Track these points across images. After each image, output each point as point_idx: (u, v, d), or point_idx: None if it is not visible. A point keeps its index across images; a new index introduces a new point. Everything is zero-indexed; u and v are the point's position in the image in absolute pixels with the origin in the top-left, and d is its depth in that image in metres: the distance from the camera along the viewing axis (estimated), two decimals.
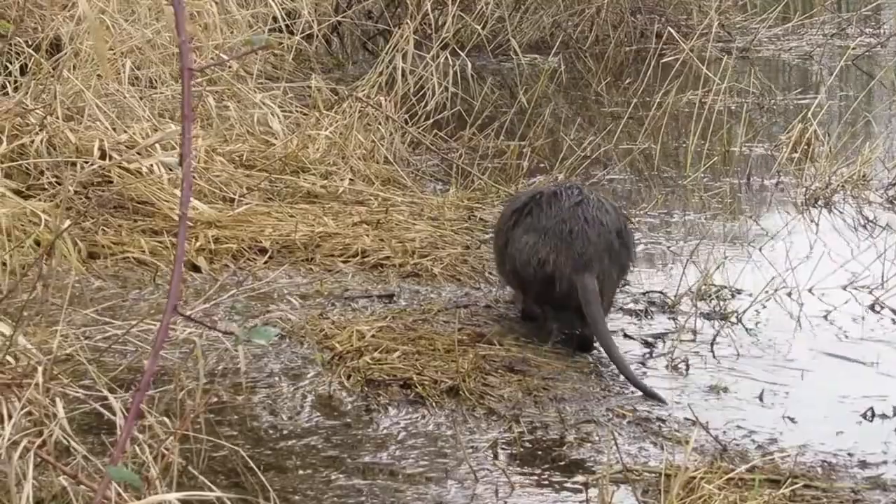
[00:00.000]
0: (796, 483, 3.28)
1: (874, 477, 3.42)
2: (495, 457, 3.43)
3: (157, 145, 5.02)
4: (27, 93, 5.30)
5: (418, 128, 6.32)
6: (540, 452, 3.48)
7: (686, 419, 3.66)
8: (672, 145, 6.72)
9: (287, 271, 4.50)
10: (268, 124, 5.83)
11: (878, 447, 3.58)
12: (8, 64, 5.67)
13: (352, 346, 3.86)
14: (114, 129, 5.16)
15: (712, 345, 4.22)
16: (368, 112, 6.04)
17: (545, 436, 3.56)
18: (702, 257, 4.93)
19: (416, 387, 3.70)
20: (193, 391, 3.29)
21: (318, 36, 7.65)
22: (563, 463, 3.43)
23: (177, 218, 4.45)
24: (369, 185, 5.50)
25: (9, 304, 3.59)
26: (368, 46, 8.69)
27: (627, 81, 7.98)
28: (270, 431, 3.47)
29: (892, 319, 4.50)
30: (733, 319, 4.42)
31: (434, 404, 3.65)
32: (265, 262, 4.57)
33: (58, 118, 5.00)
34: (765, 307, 4.51)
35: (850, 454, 3.54)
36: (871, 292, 4.69)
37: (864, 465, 3.49)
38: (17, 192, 4.58)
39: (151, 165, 4.91)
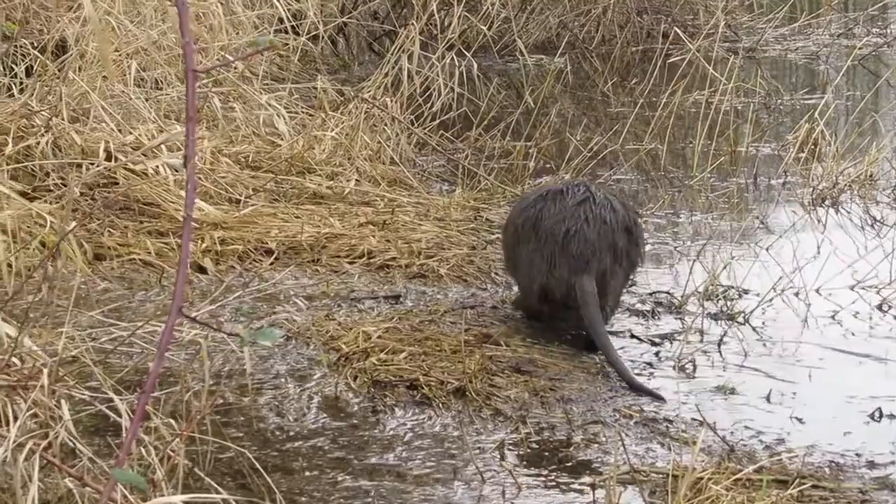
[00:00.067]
0: (804, 483, 3.27)
1: (882, 477, 3.41)
2: (502, 458, 3.42)
3: (162, 146, 5.02)
4: (33, 94, 5.30)
5: (424, 128, 6.31)
6: (547, 453, 3.47)
7: (693, 420, 3.65)
8: (679, 145, 6.70)
9: (293, 272, 4.49)
10: (273, 125, 5.82)
11: (887, 447, 3.57)
12: (13, 65, 5.68)
13: (358, 347, 3.85)
14: (119, 131, 5.16)
15: (719, 345, 4.21)
16: (374, 113, 6.04)
17: (552, 437, 3.55)
18: (709, 257, 4.92)
19: (423, 388, 3.69)
20: (199, 393, 3.28)
21: (323, 37, 7.65)
22: (570, 464, 3.42)
23: (182, 219, 4.44)
24: (375, 186, 5.49)
25: (14, 305, 3.59)
26: (374, 47, 8.69)
27: (634, 82, 7.97)
28: (277, 433, 3.46)
29: None
30: (740, 319, 4.41)
31: (441, 405, 3.64)
32: (271, 264, 4.56)
33: (63, 120, 5.01)
34: (772, 307, 4.50)
35: (858, 454, 3.52)
36: (878, 292, 4.67)
37: (872, 465, 3.48)
38: (23, 194, 4.58)
39: (157, 167, 4.91)
